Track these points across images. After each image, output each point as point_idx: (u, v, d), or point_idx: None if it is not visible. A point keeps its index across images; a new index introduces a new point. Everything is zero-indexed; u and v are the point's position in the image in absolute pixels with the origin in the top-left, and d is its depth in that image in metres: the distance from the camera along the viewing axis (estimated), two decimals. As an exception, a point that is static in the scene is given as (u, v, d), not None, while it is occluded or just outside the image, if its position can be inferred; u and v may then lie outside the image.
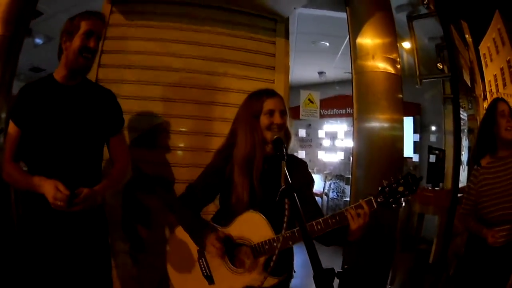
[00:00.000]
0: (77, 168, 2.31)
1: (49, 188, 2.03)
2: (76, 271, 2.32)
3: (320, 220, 1.94)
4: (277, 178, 1.86)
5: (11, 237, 2.74)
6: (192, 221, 2.19)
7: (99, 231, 2.47)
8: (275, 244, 1.98)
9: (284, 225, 1.83)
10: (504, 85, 30.46)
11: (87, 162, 2.39)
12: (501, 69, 31.20)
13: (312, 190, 2.37)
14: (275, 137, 2.06)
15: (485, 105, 9.73)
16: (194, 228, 2.16)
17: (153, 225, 3.34)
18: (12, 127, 2.29)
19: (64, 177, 2.12)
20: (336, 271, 1.61)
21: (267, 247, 2.02)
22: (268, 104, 2.16)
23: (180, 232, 2.24)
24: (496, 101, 3.02)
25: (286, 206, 1.80)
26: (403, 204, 1.98)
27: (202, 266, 2.16)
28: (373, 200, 1.94)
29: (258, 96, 2.23)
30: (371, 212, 1.93)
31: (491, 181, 2.88)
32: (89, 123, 2.36)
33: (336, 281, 1.59)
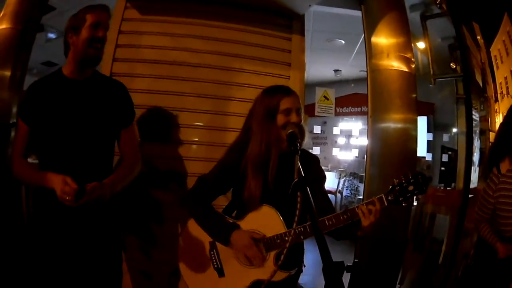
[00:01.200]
0: (88, 162, 2.32)
1: (58, 182, 2.04)
2: (86, 264, 2.33)
3: (332, 216, 1.98)
4: (291, 173, 1.87)
5: (21, 233, 2.75)
6: (213, 217, 2.20)
7: (110, 226, 2.48)
8: (286, 238, 2.01)
9: (296, 218, 1.88)
10: (514, 87, 30.53)
11: (98, 156, 2.39)
12: (511, 71, 31.19)
13: (324, 186, 2.38)
14: (289, 131, 2.07)
15: (496, 107, 9.69)
16: (215, 226, 2.17)
17: (166, 220, 3.35)
18: (21, 125, 2.30)
19: (75, 172, 2.12)
20: (345, 265, 1.62)
21: (278, 241, 2.05)
22: (285, 103, 2.16)
23: (192, 225, 2.26)
24: None
25: (298, 199, 1.84)
26: (414, 203, 2.01)
27: (214, 258, 2.20)
28: (384, 198, 1.98)
29: (273, 94, 2.23)
30: (381, 209, 1.96)
31: (510, 193, 2.74)
32: (99, 116, 2.36)
33: (346, 277, 1.60)
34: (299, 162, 1.86)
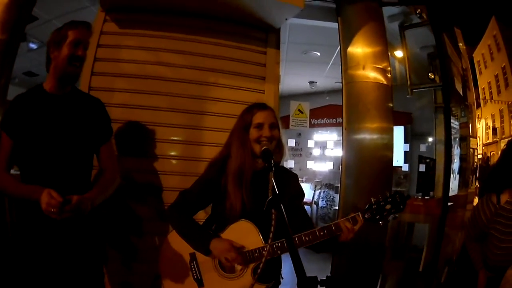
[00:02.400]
0: (67, 176, 2.34)
1: (43, 195, 2.05)
2: (69, 276, 2.34)
3: (309, 232, 2.03)
4: (267, 188, 1.93)
5: (5, 244, 2.75)
6: (194, 228, 2.25)
7: (92, 238, 2.50)
8: (264, 252, 2.04)
9: (271, 234, 1.91)
10: (499, 92, 30.69)
11: (77, 170, 2.42)
12: (496, 75, 31.41)
13: (302, 203, 2.43)
14: (263, 148, 2.13)
15: (479, 112, 9.79)
16: (197, 234, 2.21)
17: (145, 233, 3.36)
18: (4, 138, 2.31)
19: (55, 184, 2.14)
20: (319, 279, 1.67)
21: (256, 254, 2.09)
22: (258, 118, 2.22)
23: (173, 237, 2.30)
24: None
25: (273, 217, 1.87)
26: (390, 220, 2.07)
27: (193, 269, 2.24)
28: (360, 216, 2.02)
29: (249, 109, 2.29)
30: (358, 226, 2.01)
31: (502, 227, 2.72)
32: (78, 132, 2.39)
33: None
34: (273, 180, 1.90)
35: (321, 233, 2.02)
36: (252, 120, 2.22)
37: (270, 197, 1.86)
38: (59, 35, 2.32)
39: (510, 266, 2.59)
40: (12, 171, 2.40)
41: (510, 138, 2.96)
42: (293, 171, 2.50)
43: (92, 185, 2.44)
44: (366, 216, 2.02)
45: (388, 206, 2.01)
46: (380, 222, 2.02)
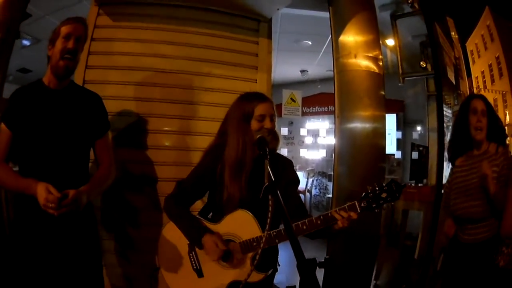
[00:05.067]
0: (65, 169, 2.37)
1: (41, 191, 2.08)
2: (68, 271, 2.37)
3: (306, 220, 2.05)
4: (263, 176, 1.93)
5: (3, 239, 2.78)
6: (188, 220, 2.26)
7: (89, 231, 2.54)
8: (261, 241, 2.06)
9: (268, 220, 1.92)
10: (493, 81, 30.78)
11: (74, 163, 2.45)
12: (490, 65, 31.48)
13: (297, 190, 2.46)
14: (258, 136, 2.15)
15: (472, 101, 9.86)
16: (190, 227, 2.23)
17: (141, 224, 3.40)
18: (3, 130, 2.34)
19: (52, 178, 2.18)
20: (317, 261, 1.71)
21: (254, 244, 2.12)
22: (259, 109, 2.24)
23: (171, 227, 2.32)
24: (470, 99, 2.98)
25: (270, 203, 1.88)
26: (385, 209, 2.09)
27: (192, 259, 2.27)
28: (356, 205, 2.04)
29: (249, 100, 2.30)
30: (355, 215, 2.03)
31: (458, 179, 2.92)
32: (76, 126, 2.43)
33: (320, 275, 1.68)
34: (269, 167, 1.91)
35: (318, 222, 2.05)
36: (253, 111, 2.24)
37: (267, 183, 1.87)
38: (54, 33, 2.38)
39: None
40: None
41: (457, 112, 3.08)
42: (288, 158, 2.54)
43: (89, 178, 2.46)
44: (362, 204, 2.03)
45: (384, 195, 2.02)
46: (376, 210, 2.04)
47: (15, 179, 2.28)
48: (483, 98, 2.98)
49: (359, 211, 2.03)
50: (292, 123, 9.52)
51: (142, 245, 3.33)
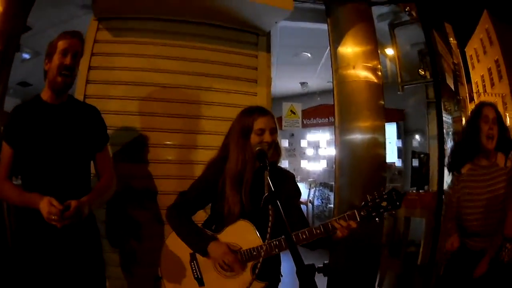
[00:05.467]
0: (67, 182, 2.39)
1: (44, 204, 2.12)
2: (71, 282, 2.39)
3: (306, 230, 2.07)
4: (263, 187, 1.94)
5: (5, 251, 2.80)
6: (191, 229, 2.29)
7: (92, 243, 2.56)
8: (261, 251, 2.08)
9: (268, 229, 1.93)
10: (492, 84, 30.81)
11: (76, 176, 2.47)
12: (489, 69, 31.51)
13: (299, 202, 2.48)
14: (257, 149, 2.17)
15: (472, 106, 9.83)
16: (194, 236, 2.26)
17: (143, 237, 3.41)
18: (5, 147, 2.37)
19: (55, 191, 2.21)
20: (316, 266, 1.73)
21: (255, 253, 2.14)
22: (259, 123, 2.26)
23: (174, 237, 2.34)
24: (482, 106, 2.96)
25: (270, 212, 1.89)
26: (386, 218, 2.10)
27: (194, 268, 2.29)
28: (356, 214, 2.05)
29: (249, 114, 2.33)
30: (355, 224, 2.04)
31: (470, 190, 2.89)
32: (76, 140, 2.45)
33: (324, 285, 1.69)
34: (268, 178, 1.92)
35: (318, 231, 2.06)
36: (253, 125, 2.26)
37: (266, 194, 1.88)
38: (51, 46, 2.38)
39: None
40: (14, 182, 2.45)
41: (468, 119, 3.08)
42: (290, 172, 2.56)
43: (90, 190, 2.49)
44: (362, 213, 2.04)
45: (384, 203, 2.02)
46: (377, 219, 2.04)
47: (19, 194, 2.31)
48: (494, 106, 2.98)
49: (358, 219, 2.04)
50: (293, 135, 9.55)
51: (145, 258, 3.33)
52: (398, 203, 2.03)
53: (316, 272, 1.74)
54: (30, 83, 6.52)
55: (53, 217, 2.09)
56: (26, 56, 5.61)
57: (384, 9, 4.91)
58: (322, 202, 8.59)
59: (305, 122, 9.11)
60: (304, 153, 10.19)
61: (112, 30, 3.63)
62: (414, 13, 4.89)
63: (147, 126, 3.52)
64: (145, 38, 3.65)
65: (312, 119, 9.71)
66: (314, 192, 8.85)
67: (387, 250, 5.03)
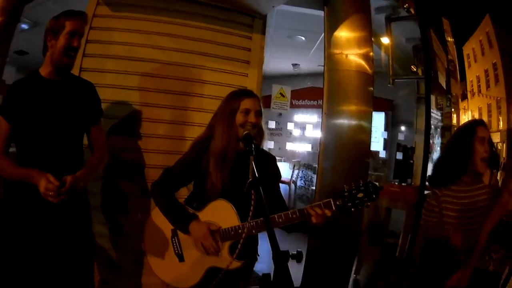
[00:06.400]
0: (62, 156, 2.48)
1: (41, 180, 2.19)
2: (60, 255, 2.48)
3: (282, 214, 2.15)
4: (246, 170, 2.07)
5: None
6: (174, 207, 2.36)
7: (82, 215, 2.65)
8: (240, 231, 2.20)
9: (250, 213, 2.07)
10: (488, 86, 30.92)
11: (71, 150, 2.56)
12: (486, 70, 31.57)
13: (278, 185, 2.57)
14: (245, 133, 2.26)
15: (465, 104, 9.91)
16: (176, 213, 2.34)
17: (129, 209, 3.49)
18: (2, 123, 2.43)
19: (50, 165, 2.31)
20: (290, 253, 1.83)
21: (233, 233, 2.23)
22: (245, 104, 2.34)
23: (156, 213, 2.43)
24: (475, 125, 2.88)
25: (253, 197, 2.03)
26: (361, 208, 2.15)
27: (175, 244, 2.38)
28: (332, 202, 2.12)
29: (236, 95, 2.41)
30: (329, 212, 2.12)
31: (452, 206, 2.85)
32: (72, 114, 2.52)
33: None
34: (253, 163, 2.02)
35: (294, 216, 2.14)
36: (239, 105, 2.34)
37: (251, 179, 1.98)
38: (56, 24, 2.41)
39: None
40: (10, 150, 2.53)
41: (457, 136, 3.02)
42: (271, 153, 2.64)
43: (83, 163, 2.57)
44: (337, 203, 2.10)
45: (360, 195, 2.08)
46: (352, 209, 2.10)
47: (16, 169, 2.38)
48: (485, 125, 2.93)
49: (333, 209, 2.11)
50: (280, 114, 9.49)
51: (130, 230, 3.43)
52: (374, 196, 2.09)
53: (290, 258, 1.85)
54: (26, 51, 6.55)
55: (50, 193, 2.17)
56: (25, 26, 5.63)
57: (383, 2, 4.96)
58: (305, 184, 8.64)
59: (294, 103, 9.14)
60: (291, 133, 10.21)
61: (112, 5, 3.65)
62: (412, 10, 4.95)
63: (139, 101, 3.57)
64: (142, 14, 3.68)
65: (301, 100, 9.72)
66: (298, 173, 8.89)
67: (367, 237, 5.12)
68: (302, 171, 8.87)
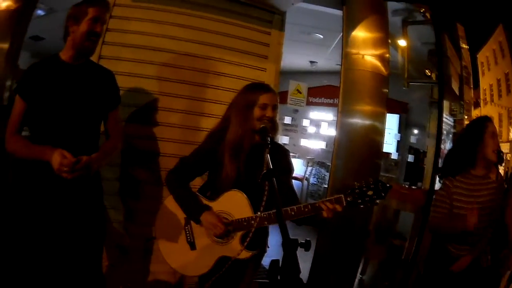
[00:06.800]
0: (77, 139, 2.50)
1: (56, 155, 2.20)
2: (69, 238, 2.50)
3: (295, 207, 2.18)
4: (261, 163, 2.13)
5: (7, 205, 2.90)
6: (188, 196, 2.41)
7: (94, 200, 2.67)
8: (252, 221, 2.23)
9: (263, 203, 2.11)
10: (500, 96, 30.76)
11: (86, 134, 2.59)
12: (498, 80, 31.43)
13: (291, 177, 2.60)
14: (261, 126, 2.30)
15: (477, 112, 9.86)
16: (189, 203, 2.39)
17: (142, 197, 3.54)
18: (18, 102, 2.46)
19: (65, 147, 2.29)
20: (299, 241, 1.86)
21: (245, 223, 2.26)
22: (263, 98, 2.37)
23: (170, 201, 2.47)
24: (485, 121, 3.01)
25: (266, 188, 2.07)
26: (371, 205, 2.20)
27: (188, 232, 2.42)
28: (343, 198, 2.16)
29: (254, 89, 2.45)
30: (340, 208, 2.16)
31: (464, 198, 2.92)
32: (90, 99, 2.56)
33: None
34: (268, 155, 2.07)
35: (305, 209, 2.17)
36: (257, 99, 2.36)
37: (265, 171, 2.02)
38: (79, 11, 2.45)
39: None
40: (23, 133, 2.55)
41: (468, 130, 3.13)
42: (285, 147, 2.66)
43: (98, 148, 2.59)
44: (348, 199, 2.15)
45: (370, 192, 2.12)
46: (361, 206, 2.14)
47: (29, 147, 2.41)
48: (492, 121, 3.06)
49: (344, 204, 2.15)
50: (297, 111, 9.49)
51: (141, 217, 3.47)
52: (383, 194, 2.13)
53: (299, 247, 1.88)
54: (42, 37, 6.59)
55: (64, 169, 2.18)
56: (41, 12, 5.68)
57: (399, 5, 4.96)
58: (318, 181, 8.63)
59: (310, 100, 9.01)
60: (306, 130, 10.12)
61: (132, -5, 3.67)
62: (428, 15, 4.95)
63: (156, 90, 3.60)
64: (162, 5, 3.71)
65: (317, 98, 9.58)
66: (311, 170, 8.89)
67: (374, 236, 5.10)
68: (315, 169, 8.85)
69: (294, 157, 9.35)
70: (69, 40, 2.49)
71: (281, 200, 1.96)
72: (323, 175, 8.56)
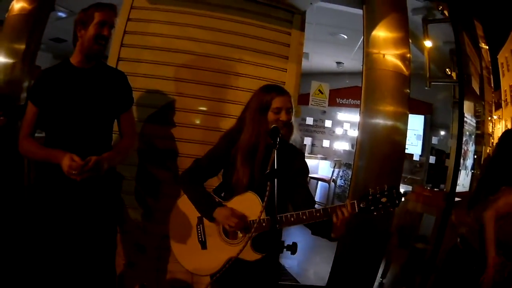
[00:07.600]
0: (89, 141, 2.55)
1: (65, 159, 2.24)
2: (83, 233, 2.55)
3: (306, 211, 2.14)
4: (273, 165, 2.05)
5: (22, 203, 2.94)
6: (201, 194, 2.40)
7: (111, 199, 2.74)
8: (264, 224, 2.20)
9: (263, 203, 2.03)
10: (519, 97, 30.47)
11: (98, 136, 2.63)
12: (517, 82, 31.16)
13: (306, 180, 2.55)
14: (272, 126, 2.25)
15: (499, 113, 9.68)
16: (202, 200, 2.37)
17: (160, 196, 3.58)
18: (30, 107, 2.53)
19: (78, 149, 2.34)
20: (285, 244, 1.93)
21: (256, 225, 2.21)
22: (276, 102, 2.33)
23: (183, 201, 2.46)
24: None
25: (268, 188, 2.00)
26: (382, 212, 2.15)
27: (199, 232, 2.41)
28: (355, 204, 2.10)
29: (268, 91, 2.40)
30: (352, 213, 2.09)
31: None
32: (102, 101, 2.59)
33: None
34: (275, 155, 2.03)
35: (317, 214, 2.13)
36: (270, 103, 2.33)
37: (268, 171, 2.00)
38: (86, 15, 2.50)
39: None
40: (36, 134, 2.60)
41: (502, 147, 3.03)
42: (300, 149, 2.61)
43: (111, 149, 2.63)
44: (361, 205, 2.09)
45: (383, 199, 2.06)
46: (375, 213, 2.08)
47: (41, 150, 2.46)
48: None
49: (357, 210, 2.09)
50: (324, 112, 9.46)
51: (159, 216, 3.50)
52: (397, 202, 2.08)
53: (285, 249, 1.85)
54: (64, 39, 6.67)
55: (73, 172, 2.22)
56: (62, 14, 5.75)
57: (419, 3, 4.90)
58: (345, 183, 8.55)
59: (337, 101, 9.11)
60: (334, 131, 10.08)
61: (149, -3, 3.70)
62: (446, 13, 4.88)
63: (175, 91, 3.62)
64: (180, 7, 3.74)
65: (345, 99, 9.58)
66: (338, 172, 8.82)
67: (397, 240, 5.04)
68: (342, 170, 8.79)
69: (322, 158, 9.35)
70: (78, 45, 2.55)
71: (279, 201, 1.95)
72: (350, 177, 8.50)
